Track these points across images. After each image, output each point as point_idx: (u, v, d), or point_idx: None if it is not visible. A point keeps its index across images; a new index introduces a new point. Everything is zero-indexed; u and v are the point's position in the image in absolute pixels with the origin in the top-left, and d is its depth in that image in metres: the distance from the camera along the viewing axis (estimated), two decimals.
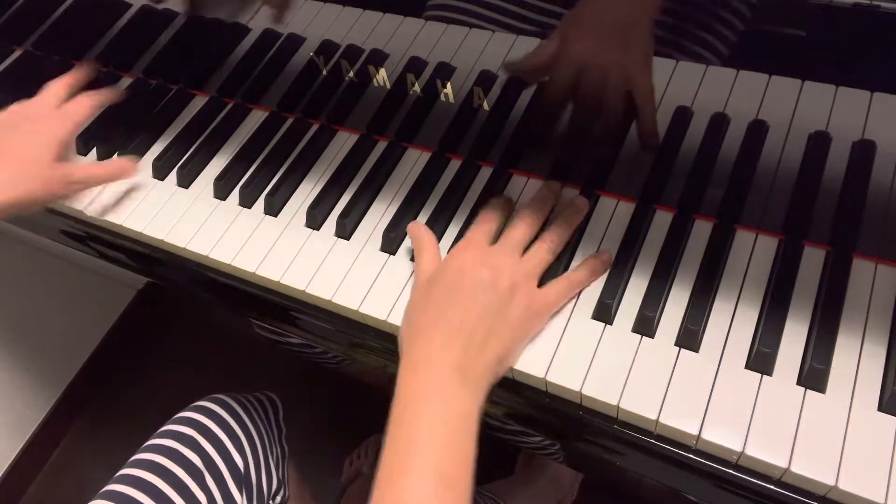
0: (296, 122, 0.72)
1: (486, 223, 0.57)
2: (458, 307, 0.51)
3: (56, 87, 0.68)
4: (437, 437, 0.46)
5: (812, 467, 0.46)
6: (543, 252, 0.56)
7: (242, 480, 0.68)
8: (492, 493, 0.83)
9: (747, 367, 0.50)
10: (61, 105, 0.67)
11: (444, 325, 0.51)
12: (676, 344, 0.52)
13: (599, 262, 0.56)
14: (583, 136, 0.62)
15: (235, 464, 0.68)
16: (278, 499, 0.74)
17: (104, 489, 0.65)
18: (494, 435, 0.71)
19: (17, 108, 0.66)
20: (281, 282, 0.61)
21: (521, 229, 0.57)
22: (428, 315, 0.52)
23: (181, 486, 0.64)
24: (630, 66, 0.57)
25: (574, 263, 0.58)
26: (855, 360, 0.50)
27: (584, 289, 0.56)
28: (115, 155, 0.72)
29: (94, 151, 0.73)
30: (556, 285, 0.55)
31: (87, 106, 0.67)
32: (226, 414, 0.71)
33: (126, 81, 0.80)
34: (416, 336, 0.52)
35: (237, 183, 0.68)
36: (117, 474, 0.66)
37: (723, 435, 0.48)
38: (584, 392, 0.51)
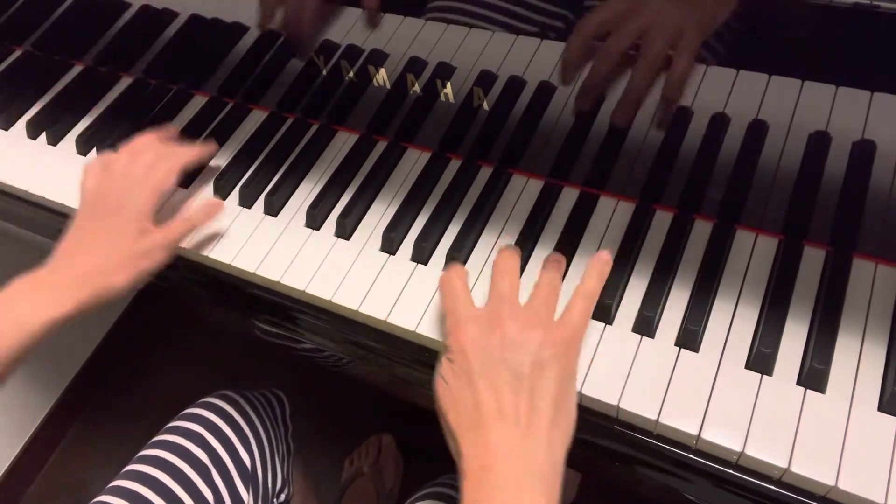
0: (296, 122, 0.72)
1: (498, 286, 0.51)
2: (490, 391, 0.46)
3: (143, 157, 0.63)
4: None
5: (812, 467, 0.46)
6: (546, 291, 0.51)
7: (249, 478, 0.68)
8: None
9: (747, 367, 0.50)
10: (145, 172, 0.62)
11: (483, 420, 0.45)
12: (676, 344, 0.52)
13: (603, 264, 0.53)
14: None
15: (243, 461, 0.68)
16: (283, 497, 0.74)
17: (111, 484, 0.65)
18: None
19: (104, 186, 0.61)
20: (281, 282, 0.61)
21: (506, 278, 0.51)
22: (470, 404, 0.47)
23: (188, 482, 0.64)
24: (689, 23, 0.53)
25: (574, 264, 0.58)
26: (855, 360, 0.50)
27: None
28: None
29: (93, 152, 0.73)
30: (574, 307, 0.50)
31: (173, 172, 0.63)
32: (234, 411, 0.71)
33: (126, 81, 0.80)
34: (467, 432, 0.46)
35: (237, 183, 0.68)
36: (124, 469, 0.66)
37: (723, 435, 0.48)
38: (585, 392, 0.51)
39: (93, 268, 0.57)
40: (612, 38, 0.56)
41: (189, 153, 0.65)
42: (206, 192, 0.68)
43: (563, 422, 0.47)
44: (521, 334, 0.47)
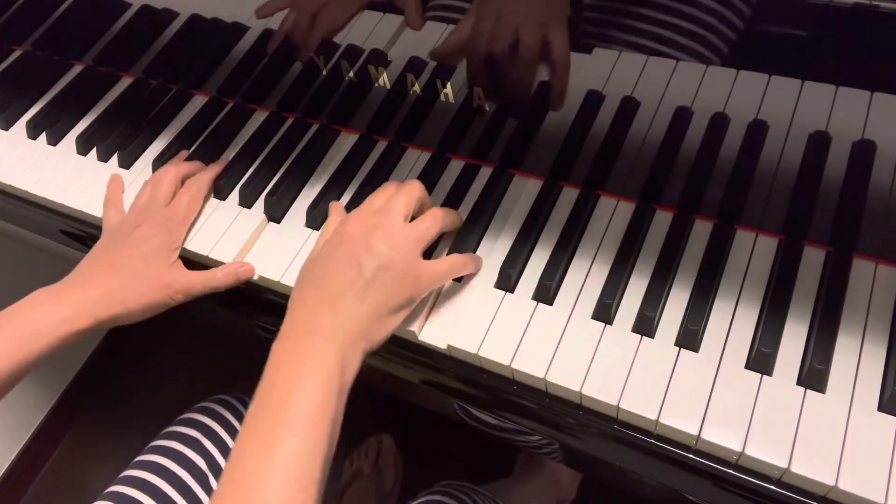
0: (296, 122, 0.72)
1: (395, 202, 0.55)
2: (333, 273, 0.51)
3: (165, 188, 0.64)
4: (301, 411, 0.45)
5: (812, 467, 0.46)
6: (430, 221, 0.55)
7: None
8: (490, 493, 0.83)
9: (747, 367, 0.50)
10: (169, 205, 0.64)
11: (319, 291, 0.51)
12: (676, 344, 0.52)
13: (471, 258, 0.57)
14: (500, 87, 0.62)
15: None
16: None
17: (108, 490, 0.65)
18: (493, 434, 0.71)
19: (130, 218, 0.63)
20: (281, 282, 0.61)
21: (403, 197, 0.55)
22: (303, 282, 0.52)
23: (186, 488, 0.64)
24: (548, 21, 0.56)
25: (574, 264, 0.58)
26: (855, 360, 0.50)
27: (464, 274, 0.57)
28: (115, 154, 0.72)
29: (93, 151, 0.73)
30: (443, 262, 0.55)
31: (197, 202, 0.65)
32: (230, 416, 0.71)
33: (126, 81, 0.80)
34: (293, 304, 0.51)
35: (237, 183, 0.68)
36: (121, 475, 0.66)
37: (723, 435, 0.48)
38: (584, 392, 0.51)
39: (115, 289, 0.58)
40: (494, 43, 0.59)
41: (207, 175, 0.67)
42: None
43: (379, 325, 0.51)
44: (384, 248, 0.51)
